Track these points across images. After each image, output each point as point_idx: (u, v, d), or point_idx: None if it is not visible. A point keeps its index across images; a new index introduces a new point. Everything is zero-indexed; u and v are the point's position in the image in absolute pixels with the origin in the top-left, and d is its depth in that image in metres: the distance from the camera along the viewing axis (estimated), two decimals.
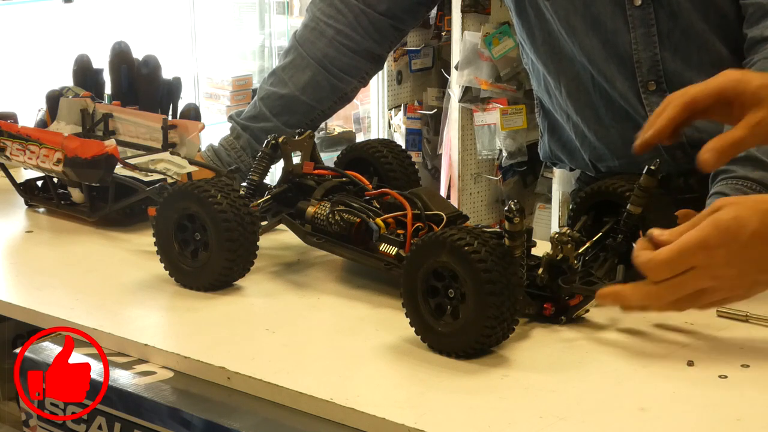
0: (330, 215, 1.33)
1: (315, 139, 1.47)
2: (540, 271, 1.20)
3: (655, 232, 1.09)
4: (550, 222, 4.07)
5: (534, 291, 1.21)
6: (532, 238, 1.21)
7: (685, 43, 1.52)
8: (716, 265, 1.06)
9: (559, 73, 1.65)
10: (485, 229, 1.13)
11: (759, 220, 1.06)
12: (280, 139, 1.43)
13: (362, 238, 1.31)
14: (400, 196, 1.32)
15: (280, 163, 1.48)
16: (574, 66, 1.62)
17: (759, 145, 1.08)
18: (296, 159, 1.45)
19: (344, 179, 1.42)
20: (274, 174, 1.75)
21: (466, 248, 1.09)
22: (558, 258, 1.19)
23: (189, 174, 1.53)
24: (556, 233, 1.19)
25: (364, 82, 1.79)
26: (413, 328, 1.15)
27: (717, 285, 1.08)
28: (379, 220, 1.29)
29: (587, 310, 1.22)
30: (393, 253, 1.27)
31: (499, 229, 1.15)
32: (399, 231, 1.29)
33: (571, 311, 1.20)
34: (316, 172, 1.43)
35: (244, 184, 1.46)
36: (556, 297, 1.20)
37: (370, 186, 1.40)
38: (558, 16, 1.59)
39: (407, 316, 1.16)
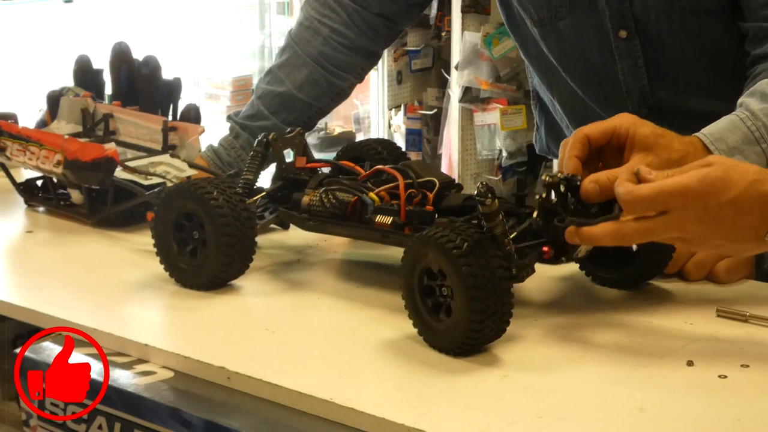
0: (323, 195, 1.32)
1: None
2: (535, 214, 1.18)
3: (643, 169, 1.11)
4: None
5: (532, 241, 1.18)
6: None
7: (674, 72, 1.52)
8: (689, 216, 1.08)
9: (552, 88, 1.66)
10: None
11: (743, 188, 1.07)
12: (271, 137, 1.43)
13: (358, 216, 1.30)
14: (391, 169, 1.31)
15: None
16: (567, 84, 1.62)
17: None
18: (290, 159, 1.45)
19: (337, 169, 1.41)
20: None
21: (447, 244, 1.09)
22: (553, 202, 1.16)
23: (189, 177, 1.53)
24: (547, 176, 1.17)
25: (360, 78, 1.79)
26: (416, 329, 1.15)
27: (683, 238, 1.11)
28: (372, 194, 1.29)
29: (588, 249, 1.21)
30: (389, 223, 1.26)
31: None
32: (393, 202, 1.28)
33: (570, 251, 1.18)
34: (308, 165, 1.42)
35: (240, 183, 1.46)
36: (554, 239, 1.17)
37: (363, 172, 1.37)
38: (547, 43, 1.59)
39: (410, 318, 1.16)
